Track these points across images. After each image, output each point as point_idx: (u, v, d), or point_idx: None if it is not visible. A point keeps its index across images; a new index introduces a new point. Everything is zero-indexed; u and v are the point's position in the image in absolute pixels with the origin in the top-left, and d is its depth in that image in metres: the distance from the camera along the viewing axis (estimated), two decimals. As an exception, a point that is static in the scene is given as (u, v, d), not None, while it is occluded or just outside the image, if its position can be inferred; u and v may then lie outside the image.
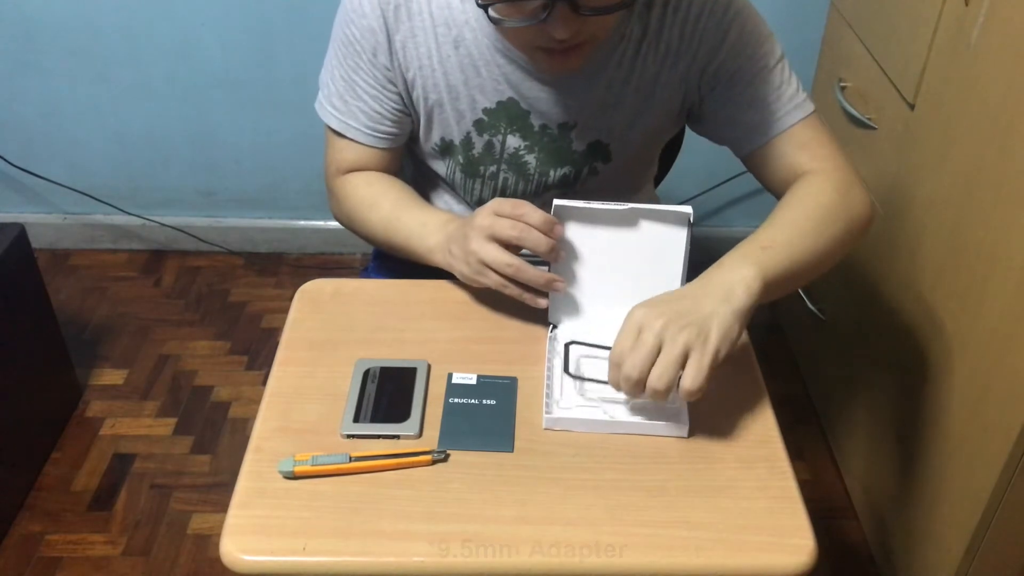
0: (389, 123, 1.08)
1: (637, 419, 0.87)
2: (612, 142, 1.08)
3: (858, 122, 1.62)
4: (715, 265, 0.89)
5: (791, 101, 1.04)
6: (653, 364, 0.80)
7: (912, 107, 1.42)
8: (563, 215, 0.93)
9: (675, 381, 0.80)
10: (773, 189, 1.07)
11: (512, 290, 0.93)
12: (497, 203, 0.92)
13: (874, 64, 1.55)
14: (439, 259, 1.00)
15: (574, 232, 0.94)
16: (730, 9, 1.01)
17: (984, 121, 1.21)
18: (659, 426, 0.87)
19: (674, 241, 0.92)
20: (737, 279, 0.86)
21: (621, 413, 0.87)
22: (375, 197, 1.08)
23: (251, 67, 2.06)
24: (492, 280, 0.93)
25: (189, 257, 2.32)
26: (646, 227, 0.93)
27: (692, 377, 0.80)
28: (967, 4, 1.25)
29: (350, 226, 1.12)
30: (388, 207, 1.06)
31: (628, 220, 0.93)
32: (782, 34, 2.14)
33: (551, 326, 0.97)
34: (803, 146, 1.04)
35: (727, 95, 1.04)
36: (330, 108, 1.08)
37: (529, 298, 0.93)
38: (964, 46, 1.26)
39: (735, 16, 1.01)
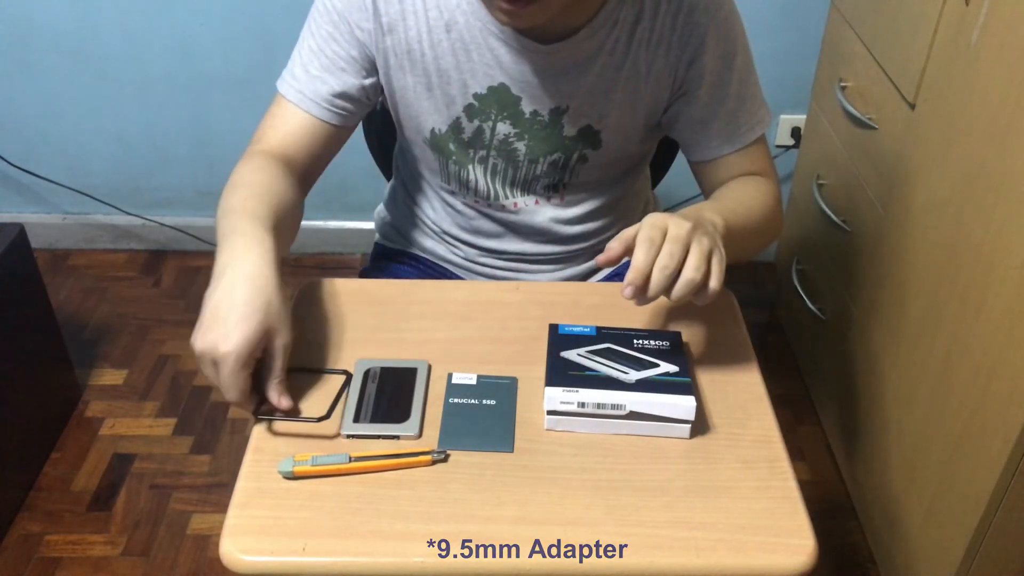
0: (350, 100, 1.06)
1: (639, 421, 0.87)
2: (603, 129, 1.08)
3: (858, 122, 1.62)
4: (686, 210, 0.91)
5: (756, 115, 1.08)
6: (683, 258, 0.82)
7: (912, 107, 1.42)
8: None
9: (706, 277, 0.83)
10: (710, 192, 1.11)
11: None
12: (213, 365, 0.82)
13: (874, 64, 1.55)
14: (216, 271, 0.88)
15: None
16: (723, 7, 1.02)
17: (984, 121, 1.21)
18: (661, 427, 0.87)
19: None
20: (710, 219, 0.90)
21: (623, 414, 0.87)
22: (243, 182, 0.98)
23: (251, 67, 2.06)
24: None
25: (189, 257, 2.32)
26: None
27: (717, 277, 0.84)
28: (967, 4, 1.25)
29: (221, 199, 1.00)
30: (236, 201, 0.94)
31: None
32: (782, 34, 2.15)
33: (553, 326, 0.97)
34: (754, 161, 1.10)
35: (704, 98, 1.06)
36: (290, 79, 1.05)
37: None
38: (964, 46, 1.26)
39: (727, 16, 1.03)
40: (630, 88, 1.05)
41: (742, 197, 1.04)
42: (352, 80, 1.05)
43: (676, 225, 0.84)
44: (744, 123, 1.08)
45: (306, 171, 1.07)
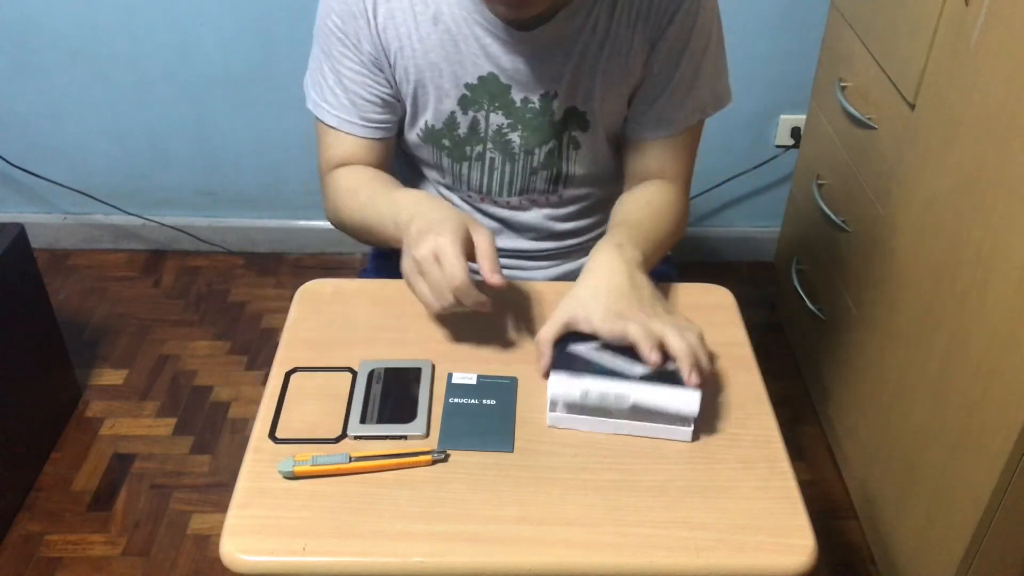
0: (380, 110, 1.08)
1: (642, 422, 0.87)
2: (588, 110, 1.09)
3: (858, 122, 1.62)
4: (605, 255, 0.94)
5: (698, 100, 1.09)
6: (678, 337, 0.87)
7: (912, 107, 1.42)
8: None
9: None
10: (631, 175, 1.14)
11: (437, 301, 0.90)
12: (434, 250, 0.88)
13: (874, 64, 1.55)
14: (402, 224, 0.95)
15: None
16: None
17: (984, 121, 1.21)
18: (664, 429, 0.87)
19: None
20: (634, 263, 0.95)
21: (626, 415, 0.87)
22: (354, 186, 1.07)
23: (251, 66, 2.06)
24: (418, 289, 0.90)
25: (189, 257, 2.32)
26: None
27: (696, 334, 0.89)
28: (967, 4, 1.25)
29: (337, 221, 1.12)
30: (365, 193, 1.05)
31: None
32: (782, 34, 2.15)
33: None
34: (677, 155, 1.12)
35: (655, 75, 1.06)
36: (325, 105, 1.08)
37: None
38: (964, 46, 1.26)
39: None
40: (614, 66, 1.05)
41: (653, 224, 1.06)
42: (375, 92, 1.07)
43: (655, 322, 0.88)
44: (684, 107, 1.09)
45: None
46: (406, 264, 0.91)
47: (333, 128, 1.09)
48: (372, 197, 1.04)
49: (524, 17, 0.99)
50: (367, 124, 1.08)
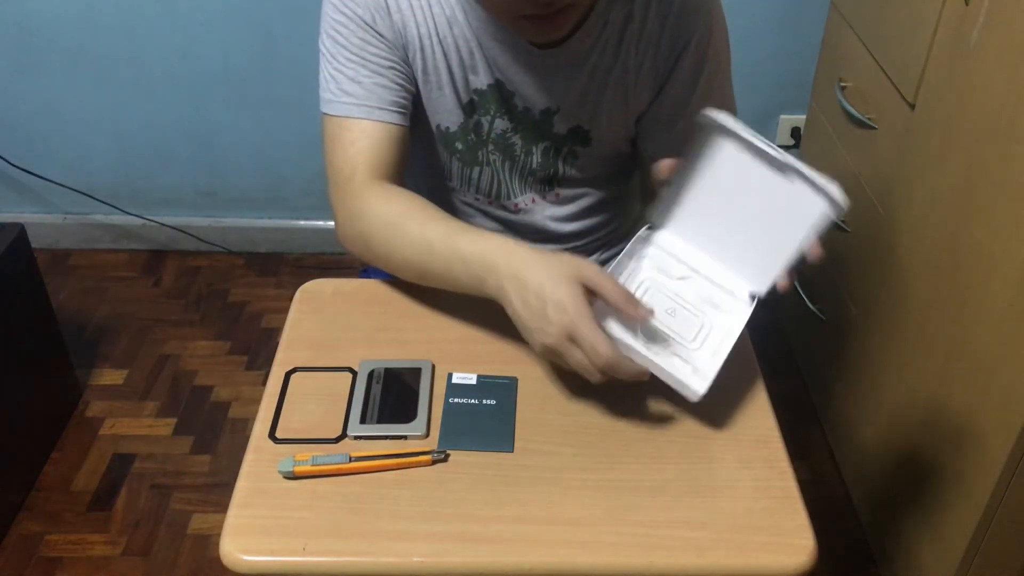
0: (407, 95, 1.03)
1: (665, 363, 0.86)
2: (592, 128, 1.09)
3: (858, 122, 1.62)
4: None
5: (721, 107, 1.10)
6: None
7: (912, 107, 1.42)
8: (709, 126, 0.88)
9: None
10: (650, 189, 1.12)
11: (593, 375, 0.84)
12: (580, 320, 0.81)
13: (874, 64, 1.55)
14: (492, 290, 0.89)
15: (714, 150, 0.89)
16: (712, 14, 1.03)
17: (984, 121, 1.21)
18: (680, 372, 0.86)
19: (809, 215, 0.89)
20: None
21: (654, 352, 0.86)
22: (404, 214, 0.98)
23: (251, 66, 2.06)
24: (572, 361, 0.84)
25: (189, 257, 2.32)
26: (788, 184, 0.89)
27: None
28: (967, 4, 1.25)
29: (365, 247, 1.02)
30: (427, 227, 0.95)
31: (775, 167, 0.89)
32: (782, 34, 2.14)
33: (647, 225, 0.96)
34: None
35: (674, 98, 1.06)
36: (346, 99, 1.01)
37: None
38: (964, 46, 1.26)
39: (714, 22, 1.04)
40: (620, 89, 1.06)
41: None
42: (402, 75, 1.03)
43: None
44: None
45: (400, 180, 1.04)
46: (538, 346, 0.84)
47: (358, 119, 1.00)
48: (437, 233, 0.94)
49: (551, 39, 0.99)
50: (397, 109, 1.01)
